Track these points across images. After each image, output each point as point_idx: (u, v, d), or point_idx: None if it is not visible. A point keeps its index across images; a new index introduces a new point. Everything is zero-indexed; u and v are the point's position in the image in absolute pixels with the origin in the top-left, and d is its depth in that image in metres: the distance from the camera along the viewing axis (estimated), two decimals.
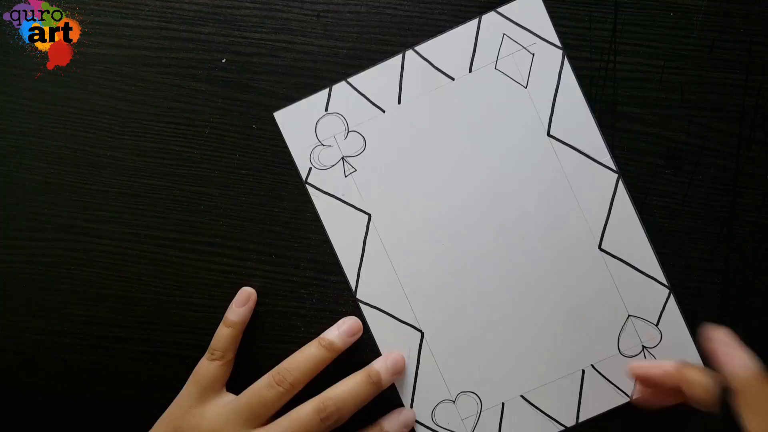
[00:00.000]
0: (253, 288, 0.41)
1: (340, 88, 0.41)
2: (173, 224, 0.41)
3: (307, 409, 0.37)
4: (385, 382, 0.39)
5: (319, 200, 0.41)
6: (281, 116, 0.41)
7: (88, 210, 0.41)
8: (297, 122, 0.41)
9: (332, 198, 0.41)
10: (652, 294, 0.41)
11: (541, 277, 0.41)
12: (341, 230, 0.41)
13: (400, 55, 0.41)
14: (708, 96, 0.41)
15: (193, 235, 0.41)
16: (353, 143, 0.41)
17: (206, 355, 0.40)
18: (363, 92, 0.41)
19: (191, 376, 0.40)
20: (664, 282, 0.41)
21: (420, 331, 0.41)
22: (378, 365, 0.39)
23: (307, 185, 0.41)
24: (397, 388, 0.41)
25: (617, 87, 0.41)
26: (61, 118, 0.41)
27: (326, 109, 0.41)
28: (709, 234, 0.41)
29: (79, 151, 0.41)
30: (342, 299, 0.41)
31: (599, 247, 0.41)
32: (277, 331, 0.41)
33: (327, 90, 0.41)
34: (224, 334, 0.40)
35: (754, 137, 0.41)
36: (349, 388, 0.38)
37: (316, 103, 0.41)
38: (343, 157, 0.41)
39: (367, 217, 0.41)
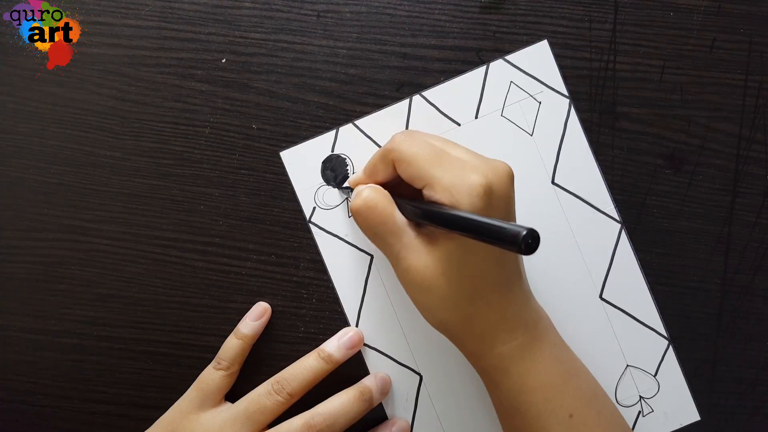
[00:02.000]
0: (269, 304, 0.41)
1: (346, 130, 0.41)
2: (173, 224, 0.41)
3: (297, 423, 0.37)
4: (376, 400, 0.39)
5: (321, 239, 0.41)
6: (287, 156, 0.41)
7: (88, 210, 0.41)
8: (302, 162, 0.41)
9: (335, 238, 0.41)
10: (652, 344, 0.41)
11: None
12: (343, 270, 0.41)
13: (408, 100, 0.41)
14: (708, 96, 0.41)
15: (193, 235, 0.41)
16: None
17: (213, 363, 0.40)
18: (369, 135, 0.41)
19: (195, 382, 0.40)
20: (664, 333, 0.41)
21: (419, 374, 0.41)
22: (369, 383, 0.40)
23: (310, 224, 0.41)
24: None
25: (617, 87, 0.41)
26: (61, 118, 0.41)
27: (332, 150, 0.41)
28: (709, 234, 0.41)
29: (79, 151, 0.41)
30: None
31: (600, 296, 0.41)
32: (277, 331, 0.41)
33: (334, 131, 0.41)
34: (233, 346, 0.40)
35: (754, 137, 0.41)
36: (341, 403, 0.38)
37: (322, 144, 0.41)
38: (347, 198, 0.41)
39: (369, 258, 0.41)
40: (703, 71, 0.41)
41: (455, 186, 0.31)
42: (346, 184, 0.40)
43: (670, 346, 0.41)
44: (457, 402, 0.41)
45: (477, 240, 0.28)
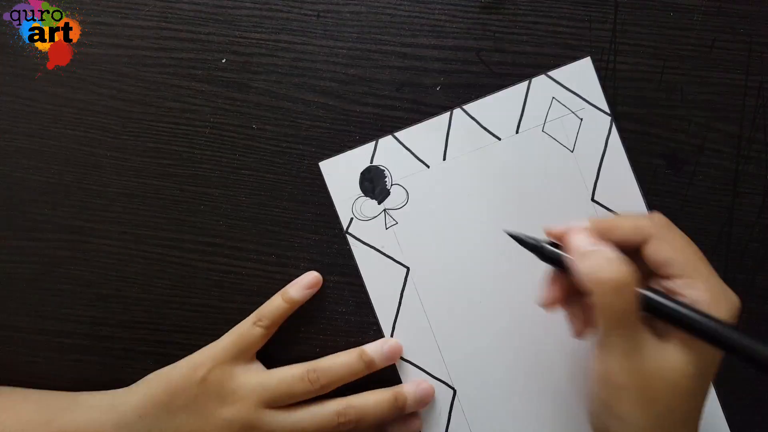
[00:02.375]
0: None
1: (386, 141, 0.41)
2: (173, 224, 0.41)
3: (328, 409, 0.37)
4: (409, 408, 0.39)
5: (358, 251, 0.41)
6: (326, 166, 0.41)
7: (88, 210, 0.41)
8: (341, 172, 0.41)
9: (372, 249, 0.41)
10: None
11: (577, 344, 0.40)
12: (379, 281, 0.41)
13: (448, 113, 0.41)
14: (708, 96, 0.41)
15: (193, 235, 0.41)
16: (396, 196, 0.41)
17: (253, 318, 0.39)
18: (409, 147, 0.41)
19: (232, 333, 0.39)
20: None
21: (453, 388, 0.41)
22: (408, 391, 0.39)
23: (347, 235, 0.41)
24: None
25: (617, 87, 0.41)
26: (61, 118, 0.41)
27: (371, 162, 0.41)
28: (709, 234, 0.41)
29: (79, 151, 0.41)
30: (342, 299, 0.41)
31: None
32: (276, 331, 0.41)
33: (373, 143, 0.41)
34: (279, 306, 0.39)
35: (754, 137, 0.41)
36: (375, 402, 0.38)
37: (361, 155, 0.41)
38: (385, 210, 0.41)
39: (405, 270, 0.41)
40: (703, 71, 0.41)
41: (717, 294, 0.30)
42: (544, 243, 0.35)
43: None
44: (490, 418, 0.40)
45: (734, 356, 0.27)
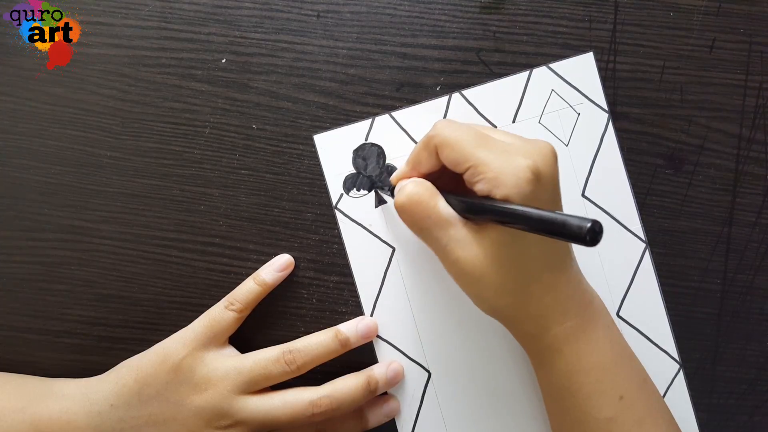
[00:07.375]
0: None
1: (382, 120, 0.41)
2: (173, 224, 0.41)
3: (303, 397, 0.37)
4: (380, 390, 0.39)
5: (345, 227, 0.41)
6: (320, 139, 0.41)
7: (88, 210, 0.41)
8: (335, 147, 0.41)
9: (359, 226, 0.41)
10: (662, 367, 0.41)
11: None
12: (364, 259, 0.41)
13: (447, 96, 0.41)
14: (708, 96, 0.41)
15: (193, 235, 0.41)
16: (388, 176, 0.41)
17: (224, 303, 0.39)
18: (405, 127, 0.41)
19: (203, 318, 0.39)
20: (677, 357, 0.41)
21: (428, 371, 0.41)
22: (379, 373, 0.39)
23: (336, 210, 0.41)
24: (397, 425, 0.41)
25: (617, 87, 0.41)
26: (61, 118, 0.41)
27: (366, 139, 0.41)
28: (709, 234, 0.41)
29: (79, 151, 0.41)
30: (342, 299, 0.41)
31: (617, 313, 0.41)
32: (276, 331, 0.41)
33: (369, 120, 0.41)
34: (251, 290, 0.39)
35: (754, 137, 0.41)
36: (348, 389, 0.38)
37: (356, 132, 0.41)
38: (375, 188, 0.41)
39: (391, 250, 0.41)
40: (703, 71, 0.41)
41: (501, 169, 0.31)
42: (388, 185, 0.39)
43: (681, 372, 0.41)
44: (463, 403, 0.41)
45: (534, 233, 0.28)
